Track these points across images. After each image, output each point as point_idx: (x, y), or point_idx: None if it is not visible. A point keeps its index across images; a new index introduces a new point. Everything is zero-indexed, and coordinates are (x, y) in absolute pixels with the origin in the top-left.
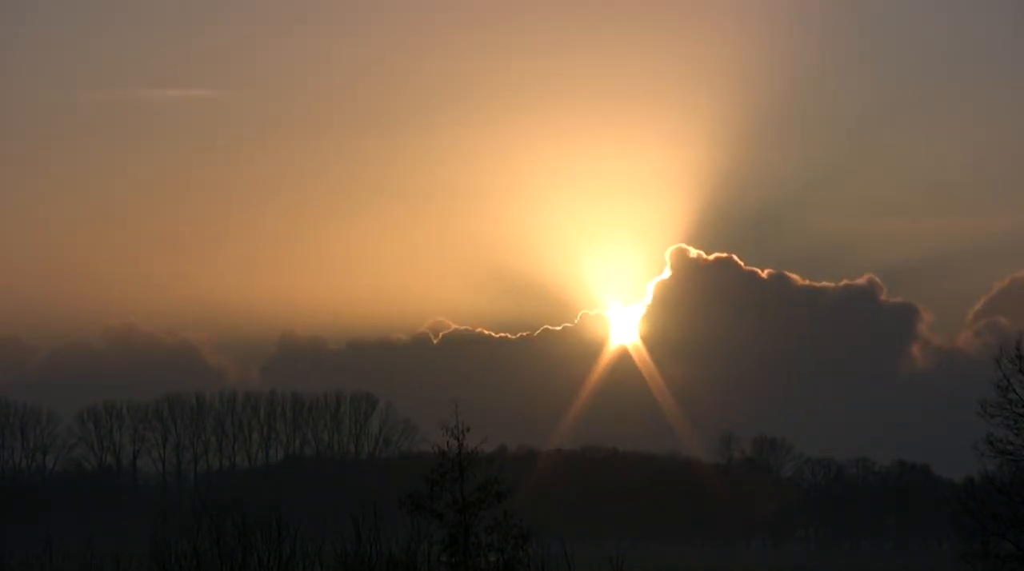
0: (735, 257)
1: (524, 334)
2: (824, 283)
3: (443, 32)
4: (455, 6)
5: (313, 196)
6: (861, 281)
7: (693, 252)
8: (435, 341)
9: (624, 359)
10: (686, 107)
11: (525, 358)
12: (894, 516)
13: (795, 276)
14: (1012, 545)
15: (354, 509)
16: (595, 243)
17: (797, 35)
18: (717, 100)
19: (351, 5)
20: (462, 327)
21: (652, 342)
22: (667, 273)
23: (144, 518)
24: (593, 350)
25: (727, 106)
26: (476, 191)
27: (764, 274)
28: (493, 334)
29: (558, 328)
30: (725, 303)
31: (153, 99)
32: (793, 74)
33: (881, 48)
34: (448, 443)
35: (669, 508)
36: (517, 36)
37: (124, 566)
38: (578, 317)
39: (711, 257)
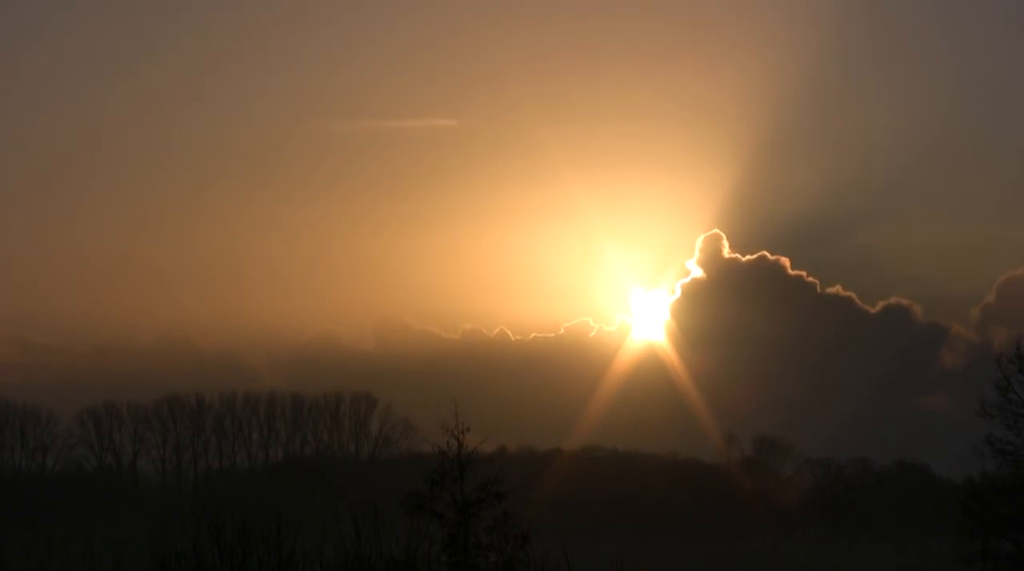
0: (768, 255)
1: (557, 335)
2: (866, 303)
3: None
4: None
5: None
6: (897, 298)
7: (728, 251)
8: (472, 344)
9: (659, 361)
10: (725, 123)
11: (559, 359)
12: (894, 516)
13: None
14: (1012, 545)
15: (354, 509)
16: (628, 246)
17: (853, 46)
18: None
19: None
20: (494, 330)
21: (680, 341)
22: (699, 273)
23: (144, 518)
24: (627, 350)
25: (763, 121)
26: (511, 205)
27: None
28: (526, 337)
29: (593, 329)
30: (756, 302)
31: (390, 129)
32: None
33: (936, 66)
34: (448, 443)
35: (669, 508)
36: (552, 45)
37: (124, 566)
38: (616, 323)
39: (750, 256)
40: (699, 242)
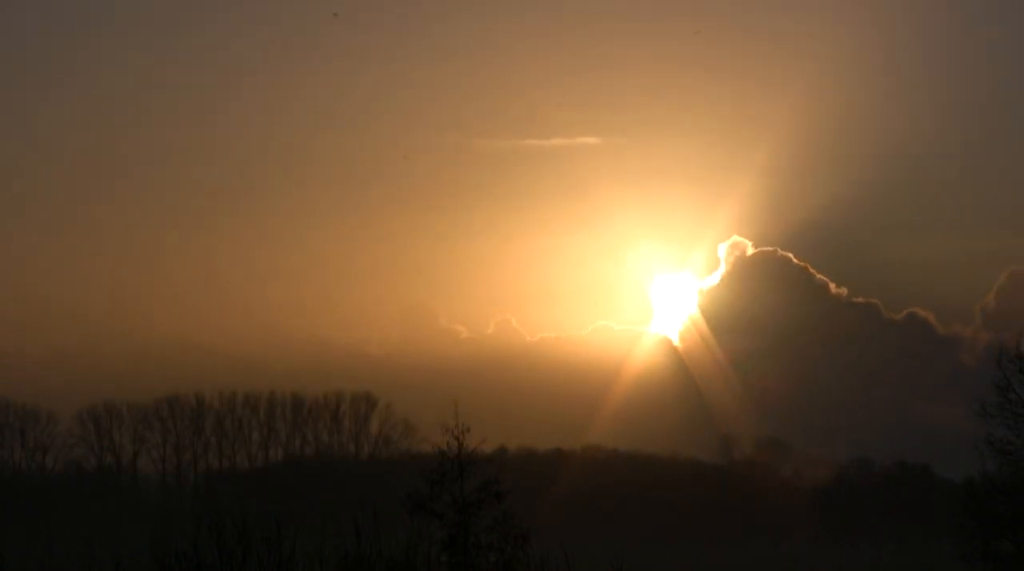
0: (794, 259)
1: (580, 337)
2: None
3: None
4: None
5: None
6: (917, 309)
7: (751, 253)
8: (495, 345)
9: (677, 362)
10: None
11: (579, 361)
12: (894, 516)
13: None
14: (1012, 545)
15: (354, 509)
16: (654, 252)
17: (880, 60)
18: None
19: None
20: (520, 332)
21: (699, 343)
22: (721, 278)
23: (144, 518)
24: (646, 352)
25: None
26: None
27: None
28: (548, 338)
29: (614, 331)
30: (775, 306)
31: (534, 148)
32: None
33: (967, 70)
34: (448, 443)
35: (669, 508)
36: (583, 62)
37: (124, 566)
38: (638, 325)
39: (773, 258)
40: (723, 248)
